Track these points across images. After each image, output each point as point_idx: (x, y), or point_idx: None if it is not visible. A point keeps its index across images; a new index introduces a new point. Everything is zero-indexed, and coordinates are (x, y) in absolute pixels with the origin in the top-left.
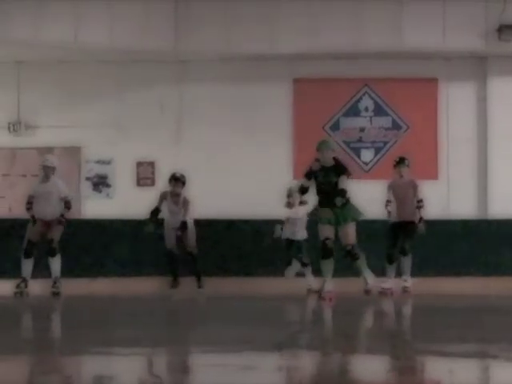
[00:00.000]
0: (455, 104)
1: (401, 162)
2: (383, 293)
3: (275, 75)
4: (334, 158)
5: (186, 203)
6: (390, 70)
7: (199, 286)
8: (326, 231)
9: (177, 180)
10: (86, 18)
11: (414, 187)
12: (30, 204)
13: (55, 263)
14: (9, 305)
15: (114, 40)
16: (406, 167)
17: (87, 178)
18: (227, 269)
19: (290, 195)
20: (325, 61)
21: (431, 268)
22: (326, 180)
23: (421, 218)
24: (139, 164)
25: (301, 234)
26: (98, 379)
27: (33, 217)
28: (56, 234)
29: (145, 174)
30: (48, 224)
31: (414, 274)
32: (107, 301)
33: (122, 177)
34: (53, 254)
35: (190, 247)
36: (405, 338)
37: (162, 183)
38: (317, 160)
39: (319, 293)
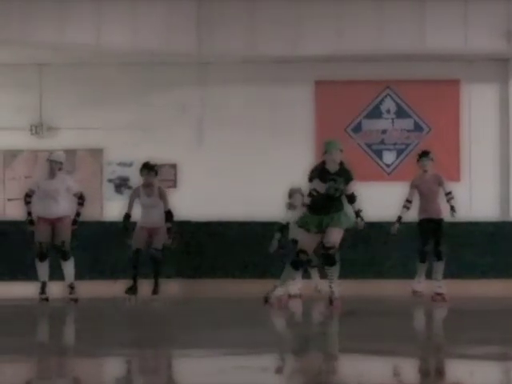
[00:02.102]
0: (477, 106)
1: (424, 155)
2: (417, 295)
3: (297, 77)
4: (340, 162)
5: (162, 194)
6: (412, 71)
7: (155, 292)
8: (306, 242)
9: (150, 169)
10: (109, 21)
11: (440, 181)
12: (29, 197)
13: (68, 267)
14: (31, 307)
15: (136, 42)
16: (430, 161)
17: (109, 180)
18: (250, 270)
19: (291, 196)
20: (347, 63)
21: (453, 270)
22: (332, 185)
23: (452, 207)
24: (161, 166)
25: None
26: (119, 381)
27: (29, 213)
28: (66, 235)
29: (167, 176)
30: (55, 223)
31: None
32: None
33: None
34: (65, 258)
35: (156, 247)
36: (426, 339)
37: (184, 185)
38: (323, 162)
39: (266, 297)
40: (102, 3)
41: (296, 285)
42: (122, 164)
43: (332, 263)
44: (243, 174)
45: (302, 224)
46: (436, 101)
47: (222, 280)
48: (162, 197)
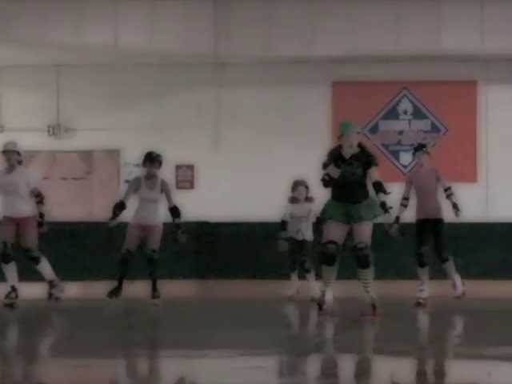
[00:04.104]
0: (494, 106)
1: (419, 148)
2: (421, 304)
3: (314, 78)
4: (359, 144)
5: (166, 187)
6: (428, 72)
7: (154, 296)
8: (334, 231)
9: (153, 159)
10: (126, 22)
11: (437, 176)
12: None
13: (44, 268)
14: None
15: (153, 43)
16: (426, 154)
17: (126, 181)
18: (266, 270)
19: (295, 189)
20: (364, 64)
21: (470, 271)
22: (347, 170)
23: (455, 204)
24: (178, 167)
25: (308, 234)
26: (134, 381)
27: None
28: (31, 239)
29: (184, 177)
30: (19, 223)
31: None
32: (145, 303)
33: None
34: (37, 262)
35: (151, 247)
36: (443, 340)
37: (201, 186)
38: (340, 147)
39: (319, 304)
40: (120, 4)
41: (292, 287)
42: (139, 165)
43: (366, 265)
44: (260, 174)
45: (324, 213)
46: (453, 102)
47: (239, 280)
48: (165, 192)
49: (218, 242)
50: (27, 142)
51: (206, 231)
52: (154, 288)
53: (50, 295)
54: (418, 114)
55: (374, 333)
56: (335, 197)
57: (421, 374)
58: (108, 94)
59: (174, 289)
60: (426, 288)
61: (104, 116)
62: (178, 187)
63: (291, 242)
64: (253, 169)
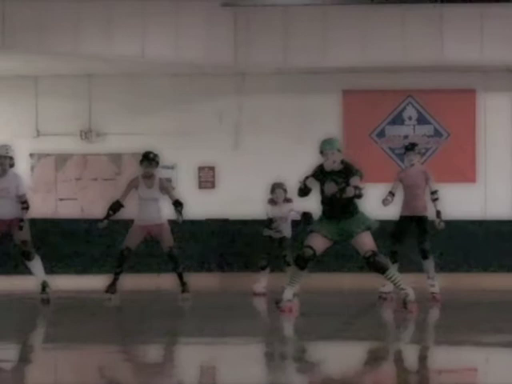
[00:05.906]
0: (491, 113)
1: (410, 148)
2: (383, 298)
3: (326, 87)
4: (343, 161)
5: (164, 185)
6: (431, 82)
7: (183, 291)
8: (314, 240)
9: (150, 160)
10: (153, 35)
11: (427, 177)
12: None
13: (35, 267)
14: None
15: (177, 54)
16: (418, 155)
17: None
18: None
19: (273, 191)
20: (372, 73)
21: (469, 266)
22: (331, 187)
23: (438, 212)
24: (201, 169)
25: (287, 231)
26: (167, 365)
27: None
28: (25, 234)
29: (206, 178)
30: (9, 224)
31: (456, 271)
32: (171, 295)
33: (185, 180)
34: (29, 258)
35: (167, 245)
36: (443, 329)
37: (221, 186)
38: (321, 165)
39: (276, 302)
40: (147, 18)
41: (261, 283)
42: (164, 167)
43: (383, 270)
44: (275, 175)
45: (314, 226)
46: (454, 108)
47: (258, 273)
48: (165, 189)
49: (238, 238)
50: (61, 145)
51: (226, 228)
52: (182, 282)
53: (42, 292)
54: (421, 119)
55: (376, 322)
56: (324, 213)
57: (422, 360)
58: (136, 101)
59: (198, 281)
60: (390, 284)
61: (132, 121)
62: (201, 187)
63: (270, 240)
64: (269, 170)
